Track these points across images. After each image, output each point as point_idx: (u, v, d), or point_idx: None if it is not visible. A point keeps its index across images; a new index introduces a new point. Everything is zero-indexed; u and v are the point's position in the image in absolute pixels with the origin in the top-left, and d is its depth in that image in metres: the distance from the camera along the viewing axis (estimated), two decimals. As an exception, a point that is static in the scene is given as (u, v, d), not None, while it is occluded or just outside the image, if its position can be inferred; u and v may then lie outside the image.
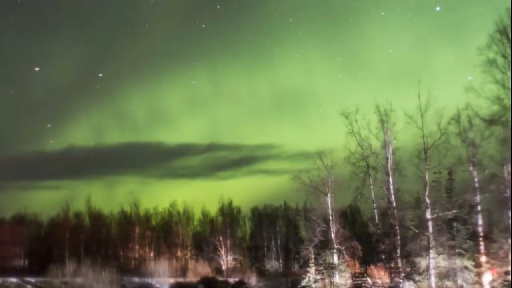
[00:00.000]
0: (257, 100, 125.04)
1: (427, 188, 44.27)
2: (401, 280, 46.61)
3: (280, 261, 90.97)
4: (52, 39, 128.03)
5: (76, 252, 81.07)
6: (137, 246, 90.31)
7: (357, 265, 55.45)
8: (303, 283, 55.89)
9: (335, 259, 53.39)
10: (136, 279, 71.85)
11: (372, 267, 55.97)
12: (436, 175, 45.00)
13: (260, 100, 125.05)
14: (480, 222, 41.48)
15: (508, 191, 37.67)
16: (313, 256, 56.17)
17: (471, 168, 41.48)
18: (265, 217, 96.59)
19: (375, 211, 52.97)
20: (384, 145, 50.22)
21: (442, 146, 43.90)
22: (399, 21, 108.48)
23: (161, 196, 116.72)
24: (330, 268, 53.30)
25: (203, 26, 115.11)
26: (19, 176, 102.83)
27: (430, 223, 43.79)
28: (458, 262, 42.42)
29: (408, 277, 45.77)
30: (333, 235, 53.80)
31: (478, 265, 41.28)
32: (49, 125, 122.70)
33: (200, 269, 75.48)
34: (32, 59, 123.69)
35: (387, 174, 49.54)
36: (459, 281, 42.22)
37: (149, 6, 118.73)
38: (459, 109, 41.90)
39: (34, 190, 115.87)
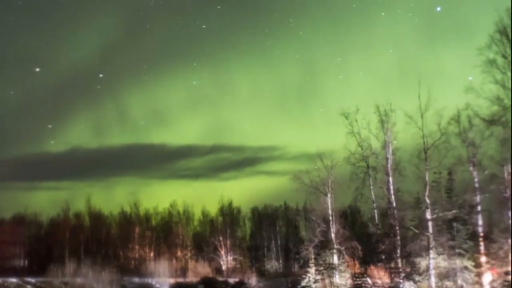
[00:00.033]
0: (258, 101, 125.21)
1: (427, 188, 44.25)
2: (401, 281, 46.57)
3: (280, 261, 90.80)
4: (52, 39, 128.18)
5: (76, 252, 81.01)
6: (137, 246, 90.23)
7: (357, 265, 55.41)
8: (303, 283, 55.84)
9: (335, 259, 53.38)
10: (136, 279, 71.82)
11: (372, 267, 55.99)
12: (436, 175, 44.99)
13: (261, 100, 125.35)
14: (480, 222, 41.45)
15: (508, 191, 37.67)
16: (313, 256, 56.16)
17: (471, 168, 41.46)
18: (265, 217, 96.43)
19: (375, 211, 52.95)
20: (384, 145, 50.21)
21: (442, 146, 43.89)
22: (400, 21, 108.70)
23: (162, 197, 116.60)
24: (330, 268, 53.28)
25: (204, 26, 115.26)
26: (19, 177, 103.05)
27: (430, 223, 43.76)
28: (458, 262, 42.38)
29: (408, 277, 45.72)
30: (333, 235, 53.79)
31: (478, 265, 41.23)
32: (50, 126, 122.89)
33: (200, 269, 75.43)
34: (33, 60, 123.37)
35: (387, 174, 49.53)
36: (459, 282, 42.17)
37: (149, 6, 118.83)
38: (459, 109, 42.00)
39: (35, 190, 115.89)
